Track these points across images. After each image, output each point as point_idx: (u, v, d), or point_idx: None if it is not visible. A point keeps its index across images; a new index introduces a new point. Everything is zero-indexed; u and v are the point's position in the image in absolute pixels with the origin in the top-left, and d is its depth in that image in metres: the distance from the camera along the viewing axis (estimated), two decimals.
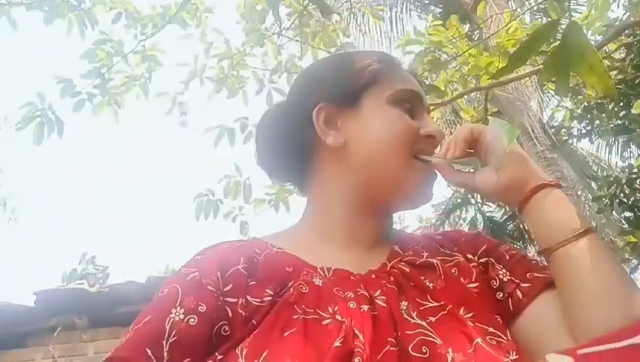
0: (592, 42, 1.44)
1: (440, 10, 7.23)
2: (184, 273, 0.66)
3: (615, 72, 4.07)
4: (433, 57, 3.56)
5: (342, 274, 0.68)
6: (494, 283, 0.70)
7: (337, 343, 0.56)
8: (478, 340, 0.59)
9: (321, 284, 0.65)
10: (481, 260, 0.73)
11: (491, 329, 0.62)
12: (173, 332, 0.59)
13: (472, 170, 0.73)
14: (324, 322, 0.59)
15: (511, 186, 0.69)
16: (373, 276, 0.68)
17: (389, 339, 0.58)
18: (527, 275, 0.70)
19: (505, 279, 0.70)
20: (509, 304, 0.68)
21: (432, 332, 0.59)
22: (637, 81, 4.05)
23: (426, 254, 0.73)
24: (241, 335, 0.60)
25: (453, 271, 0.70)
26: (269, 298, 0.63)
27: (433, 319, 0.62)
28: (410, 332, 0.59)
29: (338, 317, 0.60)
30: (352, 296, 0.63)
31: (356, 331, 0.58)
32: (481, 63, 3.24)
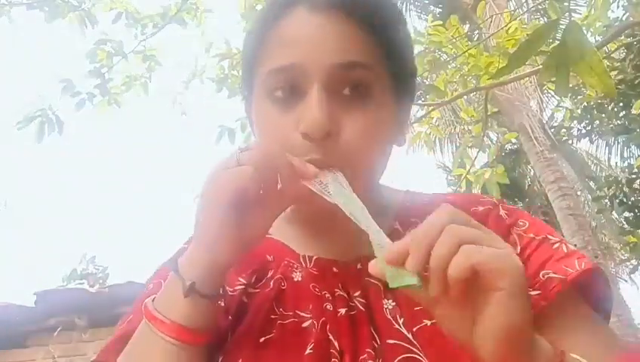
0: (592, 42, 1.44)
1: (440, 10, 7.23)
2: (166, 268, 0.61)
3: (615, 72, 4.08)
4: (433, 57, 3.56)
5: (324, 264, 0.62)
6: None
7: (309, 350, 0.54)
8: None
9: (300, 279, 0.61)
10: None
11: None
12: None
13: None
14: (304, 324, 0.57)
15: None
16: (359, 266, 0.61)
17: (367, 350, 0.54)
18: (541, 275, 0.58)
19: None
20: None
21: (418, 349, 0.54)
22: (637, 81, 4.05)
23: None
24: (223, 331, 0.57)
25: None
26: (242, 286, 0.60)
27: (428, 323, 0.55)
28: (391, 342, 0.55)
29: (313, 321, 0.57)
30: (330, 297, 0.59)
31: (331, 337, 0.55)
32: (481, 63, 3.24)
